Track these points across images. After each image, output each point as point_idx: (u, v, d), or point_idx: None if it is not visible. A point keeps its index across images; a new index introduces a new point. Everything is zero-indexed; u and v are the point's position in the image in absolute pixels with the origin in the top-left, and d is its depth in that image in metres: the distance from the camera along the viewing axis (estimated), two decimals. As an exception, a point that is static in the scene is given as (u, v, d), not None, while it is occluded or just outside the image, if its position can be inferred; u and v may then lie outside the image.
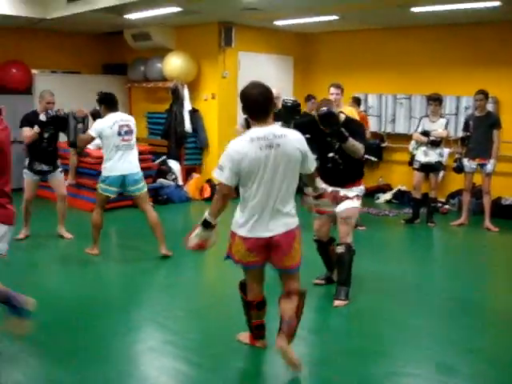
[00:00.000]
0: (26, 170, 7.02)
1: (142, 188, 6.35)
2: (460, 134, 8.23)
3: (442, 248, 7.74)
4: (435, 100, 7.89)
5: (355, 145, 4.70)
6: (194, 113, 10.05)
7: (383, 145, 10.23)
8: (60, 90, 10.56)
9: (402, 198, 9.62)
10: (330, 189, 4.79)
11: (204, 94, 10.17)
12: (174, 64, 9.86)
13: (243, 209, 3.57)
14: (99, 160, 8.79)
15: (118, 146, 6.14)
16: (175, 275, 6.02)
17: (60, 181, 7.20)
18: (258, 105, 3.42)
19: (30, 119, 6.86)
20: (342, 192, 4.95)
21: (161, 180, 9.64)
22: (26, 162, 7.02)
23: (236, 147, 3.42)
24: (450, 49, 9.23)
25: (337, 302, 4.90)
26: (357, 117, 7.57)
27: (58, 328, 4.45)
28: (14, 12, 8.88)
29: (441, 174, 8.92)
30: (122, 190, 6.41)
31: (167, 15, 8.82)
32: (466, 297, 5.33)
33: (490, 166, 7.72)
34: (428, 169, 8.03)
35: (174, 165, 9.97)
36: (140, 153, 9.29)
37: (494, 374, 3.80)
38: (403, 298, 5.27)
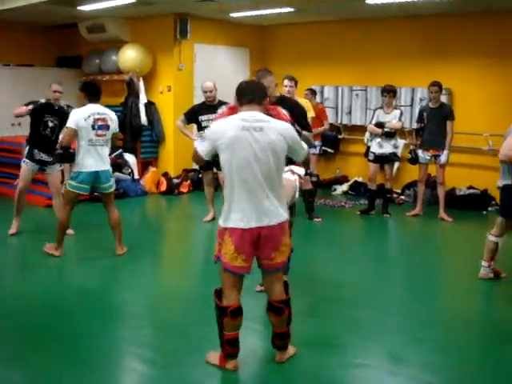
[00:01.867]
0: (25, 159, 6.84)
1: (112, 185, 6.08)
2: (415, 125, 8.32)
3: (395, 239, 7.85)
4: (389, 92, 7.94)
5: (306, 135, 4.62)
6: (149, 105, 9.94)
7: (340, 136, 10.28)
8: (13, 84, 10.39)
9: (358, 189, 9.69)
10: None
11: (160, 87, 10.06)
12: (129, 56, 9.72)
13: (227, 197, 3.51)
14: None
15: (90, 140, 5.78)
16: (132, 270, 5.93)
17: (56, 175, 6.92)
18: (243, 90, 3.58)
19: (35, 103, 6.74)
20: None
21: (117, 174, 9.45)
22: (26, 150, 6.88)
23: (218, 124, 3.59)
24: (405, 41, 9.31)
25: (259, 288, 4.81)
26: (311, 108, 7.62)
27: (11, 328, 4.36)
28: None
29: (396, 165, 9.02)
30: (91, 188, 6.08)
31: (121, 6, 8.68)
32: (416, 287, 5.42)
33: (443, 157, 7.82)
34: (383, 160, 8.09)
35: (130, 158, 9.85)
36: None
37: (442, 362, 3.86)
38: (352, 291, 5.30)
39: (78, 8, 8.80)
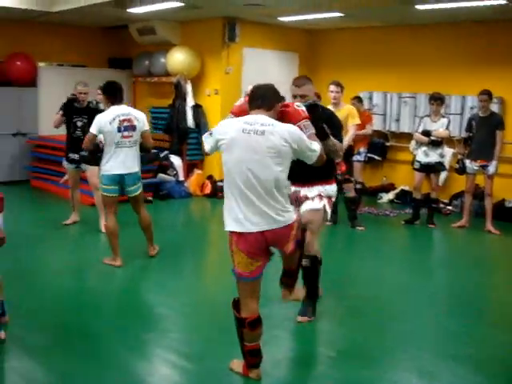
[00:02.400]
0: (63, 159, 7.24)
1: (139, 188, 5.96)
2: (464, 134, 8.10)
3: (438, 250, 7.65)
4: (436, 99, 7.75)
5: (336, 145, 4.18)
6: (196, 108, 9.99)
7: (387, 144, 10.11)
8: (65, 83, 10.59)
9: (404, 198, 9.51)
10: (292, 188, 4.31)
11: (207, 90, 10.10)
12: (178, 59, 9.81)
13: (226, 200, 3.45)
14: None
15: (117, 142, 5.68)
16: (169, 272, 5.94)
17: (93, 172, 6.90)
18: (253, 95, 3.52)
19: (65, 105, 7.05)
20: (302, 192, 4.47)
21: (161, 175, 9.60)
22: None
23: (223, 123, 3.53)
24: (455, 47, 9.10)
25: (300, 318, 4.50)
26: (356, 115, 7.49)
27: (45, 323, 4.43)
28: (18, 4, 8.89)
29: (444, 174, 8.81)
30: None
31: (171, 10, 8.76)
32: (455, 304, 5.26)
33: (491, 168, 7.59)
34: (428, 169, 7.90)
35: (176, 160, 9.91)
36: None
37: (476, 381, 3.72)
38: (390, 301, 5.19)
39: (128, 10, 8.92)
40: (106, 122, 5.66)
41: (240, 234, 3.38)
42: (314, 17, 9.06)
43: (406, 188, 9.62)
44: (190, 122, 9.93)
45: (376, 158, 9.93)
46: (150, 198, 9.03)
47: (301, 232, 3.79)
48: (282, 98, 3.67)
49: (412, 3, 7.58)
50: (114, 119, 5.67)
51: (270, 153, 3.29)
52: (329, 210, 4.50)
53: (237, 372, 3.66)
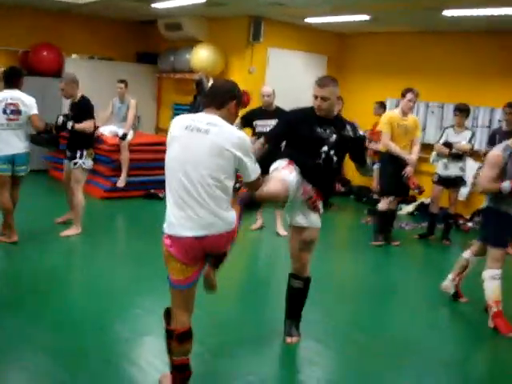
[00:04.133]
0: None
1: (27, 169, 6.23)
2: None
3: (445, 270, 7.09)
4: (461, 110, 7.39)
5: (369, 166, 4.25)
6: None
7: (411, 154, 9.74)
8: (91, 76, 10.59)
9: (424, 211, 9.14)
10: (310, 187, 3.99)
11: (230, 89, 9.92)
12: (202, 56, 9.68)
13: (168, 200, 3.17)
14: (114, 147, 8.79)
15: (2, 124, 5.97)
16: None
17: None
18: (208, 92, 3.37)
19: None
20: (319, 204, 4.07)
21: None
22: None
23: (177, 118, 3.25)
24: (487, 57, 8.72)
25: (289, 340, 4.18)
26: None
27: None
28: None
29: (466, 189, 8.44)
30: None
31: (196, 6, 8.63)
32: (468, 340, 4.93)
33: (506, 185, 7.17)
34: (448, 183, 7.53)
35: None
36: (158, 143, 9.28)
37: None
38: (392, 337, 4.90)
39: (152, 5, 8.83)
40: None
41: (173, 238, 3.11)
42: (341, 19, 8.81)
43: (427, 201, 9.25)
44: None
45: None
46: (161, 195, 8.91)
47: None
48: (238, 97, 3.27)
49: (439, 9, 7.27)
50: (1, 101, 5.96)
51: (211, 154, 3.02)
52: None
53: None
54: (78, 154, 6.50)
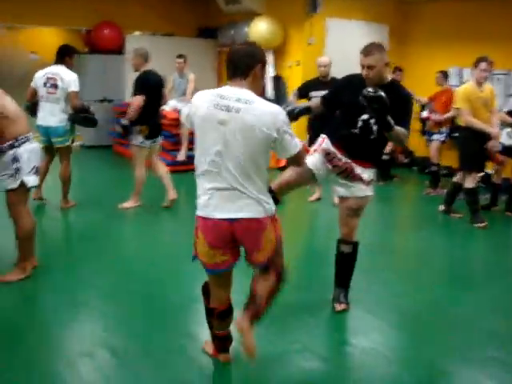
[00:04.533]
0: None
1: (65, 141, 6.52)
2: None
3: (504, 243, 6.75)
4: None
5: (400, 135, 3.75)
6: (276, 79, 9.82)
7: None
8: (152, 52, 10.74)
9: (488, 182, 8.89)
10: (343, 159, 3.99)
11: (289, 61, 9.89)
12: (260, 29, 9.65)
13: (198, 181, 3.05)
14: (174, 122, 8.94)
15: (42, 96, 6.39)
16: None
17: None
18: (228, 61, 3.02)
19: None
20: (358, 170, 3.99)
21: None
22: None
23: (196, 97, 3.04)
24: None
25: (338, 307, 4.21)
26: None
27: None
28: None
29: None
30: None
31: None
32: None
33: None
34: (511, 152, 7.31)
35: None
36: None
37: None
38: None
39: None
40: (38, 77, 6.44)
41: (204, 219, 3.00)
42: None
43: (491, 172, 8.99)
44: (270, 92, 9.79)
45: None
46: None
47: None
48: (262, 57, 3.04)
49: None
50: (44, 75, 6.41)
51: (244, 135, 2.85)
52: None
53: (207, 353, 3.49)
54: (132, 130, 6.63)
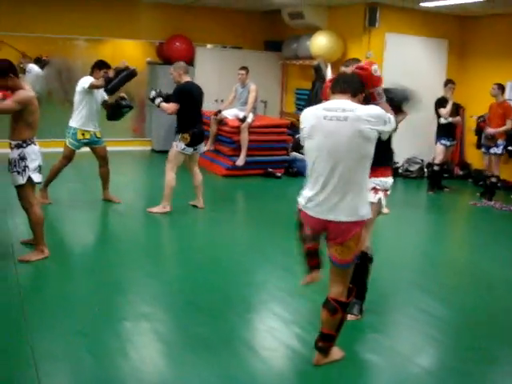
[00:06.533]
0: None
1: (69, 143, 7.05)
2: None
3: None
4: None
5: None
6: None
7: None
8: (219, 64, 11.43)
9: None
10: None
11: (348, 74, 10.24)
12: (321, 43, 10.08)
13: (308, 183, 3.45)
14: (235, 130, 9.49)
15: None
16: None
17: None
18: (339, 79, 3.46)
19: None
20: None
21: (295, 153, 9.99)
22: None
23: (304, 113, 3.44)
24: None
25: (349, 317, 4.04)
26: None
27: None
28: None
29: None
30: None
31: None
32: None
33: None
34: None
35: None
36: (278, 126, 9.95)
37: None
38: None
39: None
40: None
41: (306, 215, 3.44)
42: (455, 1, 8.82)
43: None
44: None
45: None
46: (279, 174, 9.54)
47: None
48: (363, 90, 3.46)
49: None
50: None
51: (353, 140, 3.22)
52: (384, 203, 4.21)
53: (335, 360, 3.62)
54: (175, 137, 6.94)
